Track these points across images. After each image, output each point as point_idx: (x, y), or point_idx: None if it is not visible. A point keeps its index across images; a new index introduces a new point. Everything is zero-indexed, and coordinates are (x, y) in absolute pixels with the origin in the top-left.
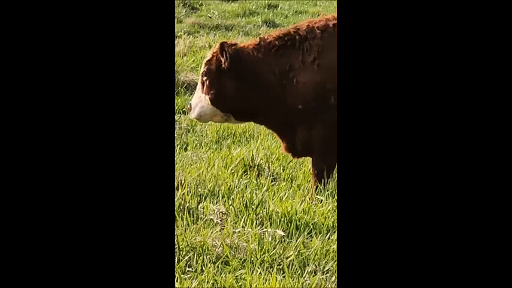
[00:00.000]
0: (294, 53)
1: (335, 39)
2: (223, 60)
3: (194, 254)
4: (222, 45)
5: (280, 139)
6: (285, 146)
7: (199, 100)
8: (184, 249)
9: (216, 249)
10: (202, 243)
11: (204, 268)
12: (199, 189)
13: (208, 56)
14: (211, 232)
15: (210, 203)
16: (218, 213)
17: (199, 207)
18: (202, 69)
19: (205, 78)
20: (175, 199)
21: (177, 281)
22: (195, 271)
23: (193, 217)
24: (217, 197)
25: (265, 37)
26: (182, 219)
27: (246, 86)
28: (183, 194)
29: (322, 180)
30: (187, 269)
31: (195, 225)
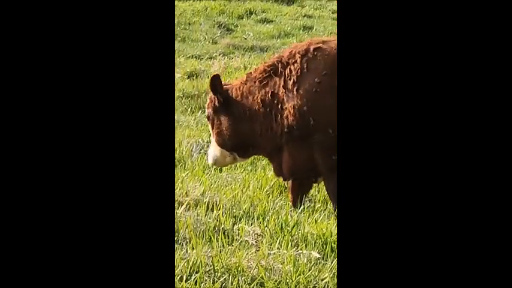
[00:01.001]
0: (276, 80)
1: (313, 62)
2: (216, 98)
3: (229, 275)
4: (213, 80)
5: (271, 163)
6: (274, 169)
7: (212, 145)
8: (219, 271)
9: (251, 271)
10: (237, 265)
11: None
12: (235, 211)
13: (208, 99)
14: (247, 253)
15: (245, 224)
16: (253, 234)
17: (234, 228)
18: (206, 113)
19: (208, 122)
20: (211, 220)
21: None
22: None
23: (228, 238)
24: (252, 219)
25: (252, 71)
26: (217, 240)
27: (237, 120)
28: (218, 215)
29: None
30: None
31: (230, 247)
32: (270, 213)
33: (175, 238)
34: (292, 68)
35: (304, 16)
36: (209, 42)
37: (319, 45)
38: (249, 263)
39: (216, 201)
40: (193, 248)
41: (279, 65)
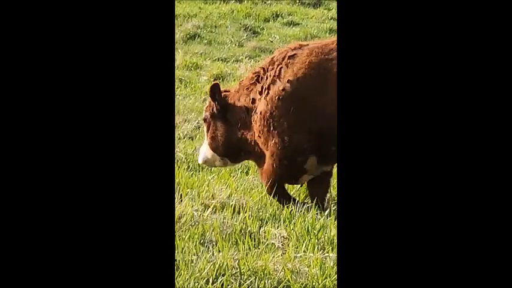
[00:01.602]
0: (257, 87)
1: (284, 69)
2: (214, 104)
3: (255, 278)
4: (213, 88)
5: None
6: (260, 173)
7: (204, 145)
8: (245, 274)
9: (278, 274)
10: (263, 268)
11: None
12: (261, 213)
13: (207, 102)
14: (273, 256)
15: (271, 227)
16: (280, 237)
17: (260, 231)
18: (203, 116)
19: (204, 123)
20: (237, 223)
21: None
22: None
23: (254, 241)
24: (278, 221)
25: (244, 79)
26: (243, 243)
27: (231, 126)
28: (245, 217)
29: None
30: None
31: (256, 250)
32: (297, 216)
33: (202, 241)
34: (268, 74)
35: (331, 19)
36: (235, 45)
37: (294, 52)
38: (275, 266)
39: (243, 204)
40: (219, 251)
41: (262, 71)
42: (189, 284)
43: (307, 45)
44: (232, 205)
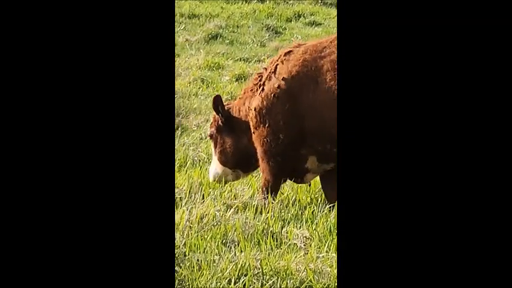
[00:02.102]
0: (257, 88)
1: (280, 67)
2: (219, 117)
3: (278, 278)
4: (215, 100)
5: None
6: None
7: (213, 162)
8: (267, 274)
9: (300, 274)
10: (285, 268)
11: None
12: (283, 214)
13: (211, 119)
14: (295, 256)
15: (293, 227)
16: (302, 237)
17: (283, 231)
18: (208, 132)
19: (211, 140)
20: (259, 223)
21: None
22: None
23: (276, 241)
24: (300, 222)
25: (248, 82)
26: (266, 243)
27: (238, 136)
28: (267, 218)
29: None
30: None
31: (278, 250)
32: (319, 217)
33: (224, 241)
34: (265, 74)
35: None
36: (257, 45)
37: (290, 50)
38: (298, 266)
39: (265, 204)
40: (241, 251)
41: (264, 71)
42: (211, 284)
43: (305, 44)
44: (254, 205)
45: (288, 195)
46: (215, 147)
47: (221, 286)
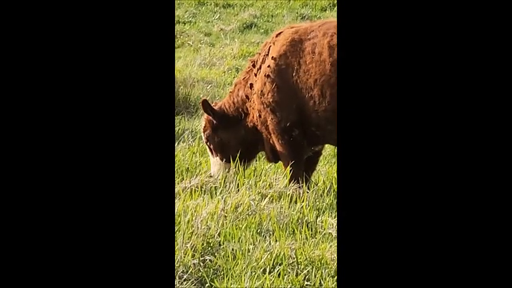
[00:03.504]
0: (253, 71)
1: (272, 48)
2: (211, 117)
3: (313, 268)
4: (203, 104)
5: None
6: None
7: (215, 164)
8: (302, 263)
9: (335, 263)
10: (320, 257)
11: (322, 282)
12: (318, 203)
13: (203, 123)
14: (330, 246)
15: (328, 216)
16: (337, 227)
17: (317, 220)
18: (204, 137)
19: (208, 143)
20: (294, 212)
21: None
22: (314, 285)
23: (311, 231)
24: (336, 211)
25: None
26: (300, 233)
27: (234, 126)
28: (302, 207)
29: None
30: (306, 283)
31: (313, 239)
32: None
33: (259, 230)
34: (259, 58)
35: None
36: None
37: (281, 31)
38: (332, 256)
39: (300, 194)
40: (276, 240)
41: (257, 56)
42: (245, 273)
43: (299, 26)
44: (289, 194)
45: (322, 184)
46: (214, 148)
47: (256, 275)
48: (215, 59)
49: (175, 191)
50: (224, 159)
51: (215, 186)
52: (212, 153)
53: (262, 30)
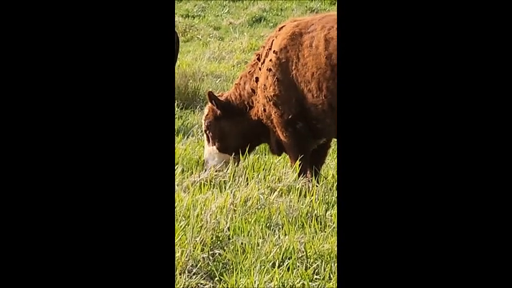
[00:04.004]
0: (258, 65)
1: (274, 42)
2: (215, 108)
3: (322, 261)
4: (209, 96)
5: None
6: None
7: (209, 152)
8: (311, 257)
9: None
10: (330, 251)
11: (331, 276)
12: (327, 197)
13: (206, 111)
14: None
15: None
16: None
17: (327, 214)
18: (204, 125)
19: (208, 131)
20: (303, 206)
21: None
22: (323, 279)
23: (321, 224)
24: None
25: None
26: (310, 227)
27: (242, 119)
28: (311, 201)
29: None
30: (315, 276)
31: (322, 233)
32: None
33: (268, 224)
34: (263, 52)
35: None
36: None
37: (284, 24)
38: None
39: (309, 188)
40: (285, 234)
41: (261, 49)
42: (255, 267)
43: (301, 19)
44: (298, 188)
45: (332, 177)
46: (213, 137)
47: (265, 269)
48: (224, 53)
49: (185, 185)
50: (221, 149)
51: (224, 180)
52: (209, 141)
53: (272, 24)
